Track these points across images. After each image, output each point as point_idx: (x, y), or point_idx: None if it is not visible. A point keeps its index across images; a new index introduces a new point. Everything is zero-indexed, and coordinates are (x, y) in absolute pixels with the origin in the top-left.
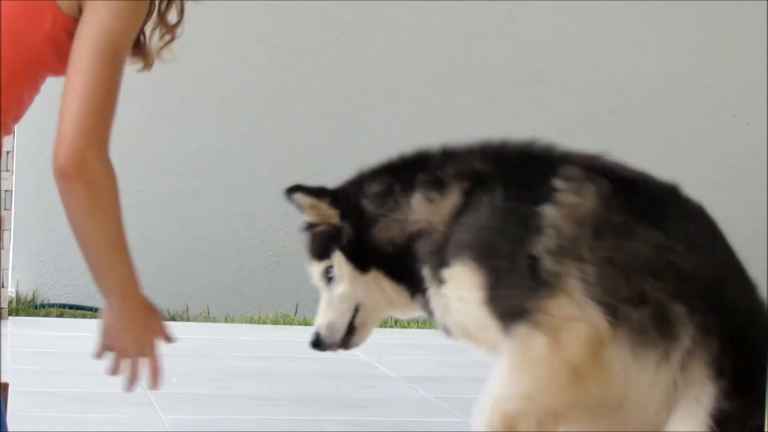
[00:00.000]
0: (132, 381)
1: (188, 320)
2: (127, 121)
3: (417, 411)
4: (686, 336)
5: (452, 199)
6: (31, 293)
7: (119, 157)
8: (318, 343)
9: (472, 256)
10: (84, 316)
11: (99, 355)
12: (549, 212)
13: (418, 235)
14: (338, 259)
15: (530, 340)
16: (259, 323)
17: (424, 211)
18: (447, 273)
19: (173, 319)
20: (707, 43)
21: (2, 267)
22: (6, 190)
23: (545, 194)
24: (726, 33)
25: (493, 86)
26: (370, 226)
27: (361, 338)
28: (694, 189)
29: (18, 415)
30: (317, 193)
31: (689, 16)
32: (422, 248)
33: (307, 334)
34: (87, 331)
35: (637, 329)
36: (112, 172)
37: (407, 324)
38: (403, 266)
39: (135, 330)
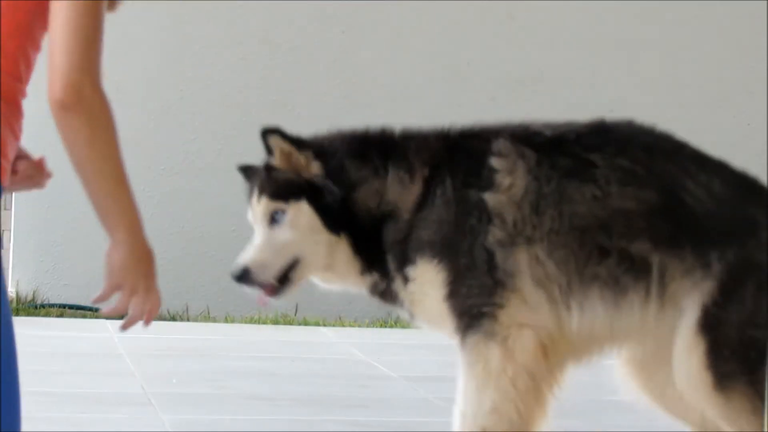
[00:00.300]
0: (136, 318)
1: (188, 320)
2: (127, 121)
3: (417, 411)
4: (655, 265)
5: (417, 186)
6: (31, 293)
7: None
8: (244, 278)
9: (433, 254)
10: (84, 316)
11: (106, 296)
12: (492, 200)
13: (389, 216)
14: (301, 210)
15: (485, 352)
16: (259, 323)
17: (396, 192)
18: (412, 272)
19: (173, 319)
20: (707, 43)
21: (2, 267)
22: None
23: (486, 177)
24: (726, 33)
25: (493, 86)
26: (353, 190)
27: (291, 292)
28: None
29: None
30: (298, 143)
31: (689, 16)
32: (389, 233)
33: (307, 334)
34: (87, 331)
35: (610, 282)
36: (108, 102)
37: (407, 324)
38: (369, 241)
39: (143, 266)
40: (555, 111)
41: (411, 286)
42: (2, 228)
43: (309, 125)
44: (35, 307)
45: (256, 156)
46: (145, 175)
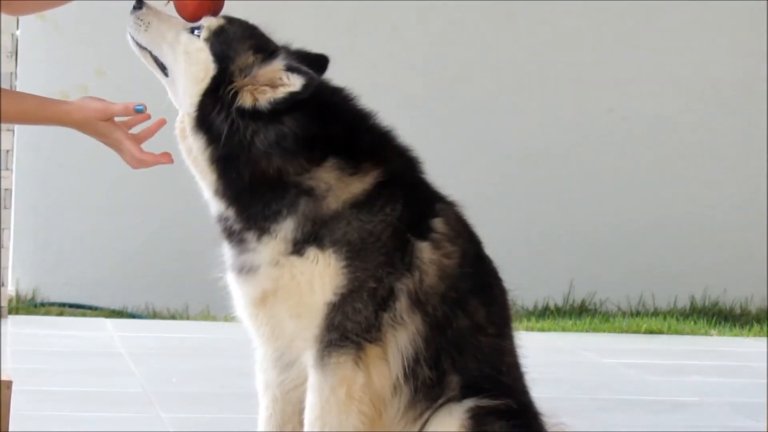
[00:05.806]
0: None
1: (188, 319)
2: None
3: None
4: None
5: (363, 184)
6: (31, 292)
7: (120, 157)
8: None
9: (346, 256)
10: (84, 315)
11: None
12: (424, 253)
13: (309, 188)
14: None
15: (351, 376)
16: None
17: (332, 175)
18: (310, 251)
19: (173, 317)
20: (707, 43)
21: (2, 265)
22: (6, 189)
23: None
24: (726, 33)
25: (493, 86)
26: (285, 138)
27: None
28: (694, 188)
29: (18, 414)
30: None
31: (689, 16)
32: (302, 203)
33: None
34: (87, 330)
35: None
36: None
37: None
38: (259, 179)
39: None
40: (555, 111)
41: (295, 262)
42: (2, 227)
43: None
44: (35, 306)
45: None
46: (146, 174)
